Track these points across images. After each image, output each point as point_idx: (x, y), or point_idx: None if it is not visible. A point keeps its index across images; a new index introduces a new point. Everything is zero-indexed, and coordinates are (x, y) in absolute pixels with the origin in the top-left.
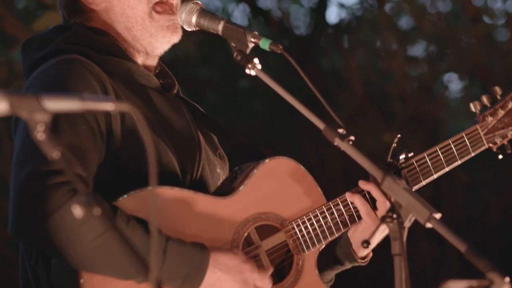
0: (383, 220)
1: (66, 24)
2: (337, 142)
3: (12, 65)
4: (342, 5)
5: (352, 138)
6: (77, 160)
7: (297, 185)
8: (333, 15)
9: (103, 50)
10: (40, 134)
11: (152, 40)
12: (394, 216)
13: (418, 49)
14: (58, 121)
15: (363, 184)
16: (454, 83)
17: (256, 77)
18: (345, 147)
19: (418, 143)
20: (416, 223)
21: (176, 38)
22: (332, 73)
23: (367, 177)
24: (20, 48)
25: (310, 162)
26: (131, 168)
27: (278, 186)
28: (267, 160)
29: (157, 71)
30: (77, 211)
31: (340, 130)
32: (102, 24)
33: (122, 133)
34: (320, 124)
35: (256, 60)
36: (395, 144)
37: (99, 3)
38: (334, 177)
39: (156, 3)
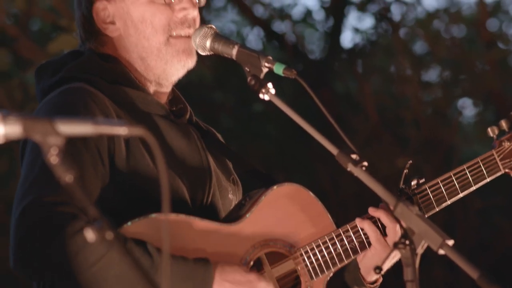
0: (395, 246)
1: (80, 49)
2: (350, 167)
3: (27, 87)
4: (356, 30)
5: (365, 163)
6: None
7: (306, 212)
8: (347, 39)
9: (112, 79)
10: (53, 157)
11: (167, 67)
12: (407, 242)
13: (432, 74)
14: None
15: (373, 211)
16: (468, 109)
17: (270, 101)
18: (358, 172)
19: (432, 168)
20: (429, 249)
21: (191, 62)
22: (346, 98)
23: (380, 202)
24: (34, 71)
25: (323, 187)
26: (137, 195)
27: (286, 213)
28: (275, 187)
29: (170, 98)
30: (90, 234)
31: (354, 156)
32: (114, 50)
33: (127, 160)
34: (334, 150)
35: (269, 85)
36: (407, 170)
37: (113, 30)
38: (348, 202)
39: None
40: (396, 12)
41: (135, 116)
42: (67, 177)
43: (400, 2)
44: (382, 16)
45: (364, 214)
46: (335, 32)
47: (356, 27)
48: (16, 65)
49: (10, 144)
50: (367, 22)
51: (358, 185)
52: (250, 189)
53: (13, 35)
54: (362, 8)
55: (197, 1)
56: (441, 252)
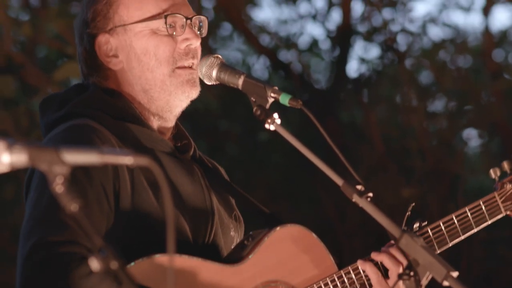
0: (400, 277)
1: (84, 83)
2: (355, 198)
3: (33, 114)
4: (362, 60)
5: (370, 194)
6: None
7: (307, 253)
8: (353, 69)
9: (116, 115)
10: (58, 186)
11: (171, 98)
12: (411, 273)
13: (438, 105)
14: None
15: (375, 255)
16: (473, 139)
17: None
18: (363, 203)
19: (437, 198)
20: (433, 280)
21: (195, 93)
22: (352, 127)
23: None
24: (40, 98)
25: (329, 217)
26: (141, 232)
27: (288, 254)
28: (278, 228)
29: (174, 133)
30: (94, 264)
31: (359, 187)
32: (118, 84)
33: (132, 197)
34: (339, 180)
35: (275, 115)
36: (409, 213)
37: (116, 63)
38: (353, 231)
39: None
40: (402, 42)
41: (142, 153)
42: (72, 206)
43: (406, 32)
44: (388, 46)
45: (368, 243)
46: (341, 62)
47: (362, 56)
48: (22, 92)
49: (16, 172)
50: (373, 52)
51: (364, 214)
52: (252, 225)
53: (19, 62)
54: (368, 38)
55: (199, 32)
56: (446, 283)
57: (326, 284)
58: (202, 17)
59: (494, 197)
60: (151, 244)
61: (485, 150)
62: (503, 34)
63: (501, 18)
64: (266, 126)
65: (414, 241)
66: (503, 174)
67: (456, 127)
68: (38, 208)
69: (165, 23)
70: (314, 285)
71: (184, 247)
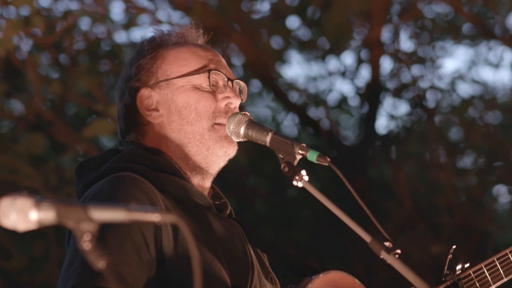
0: None
1: (120, 148)
2: (383, 255)
3: (62, 171)
4: (391, 116)
5: (398, 251)
6: (118, 279)
7: None
8: (382, 126)
9: (157, 168)
10: (86, 244)
11: (209, 153)
12: None
13: (467, 161)
14: (103, 238)
15: None
16: (503, 196)
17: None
18: (391, 260)
19: (467, 255)
20: None
21: (233, 150)
22: (380, 184)
23: None
24: (69, 154)
25: (357, 273)
26: (183, 284)
27: None
28: (321, 275)
29: (211, 193)
30: None
31: (387, 243)
32: (156, 140)
33: (175, 251)
34: (367, 237)
35: (303, 172)
36: (451, 256)
37: (156, 117)
38: None
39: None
40: (431, 98)
41: (185, 206)
42: (100, 264)
43: (435, 89)
44: (417, 102)
45: None
46: (370, 118)
47: (391, 113)
48: (51, 149)
49: (46, 228)
50: (402, 108)
51: (393, 271)
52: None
53: (49, 120)
54: (397, 94)
55: (240, 95)
56: None
57: None
58: (243, 84)
59: None
60: None
61: None
62: None
63: None
64: (294, 183)
65: None
66: None
67: (485, 183)
68: (78, 255)
69: (208, 77)
70: None
71: None
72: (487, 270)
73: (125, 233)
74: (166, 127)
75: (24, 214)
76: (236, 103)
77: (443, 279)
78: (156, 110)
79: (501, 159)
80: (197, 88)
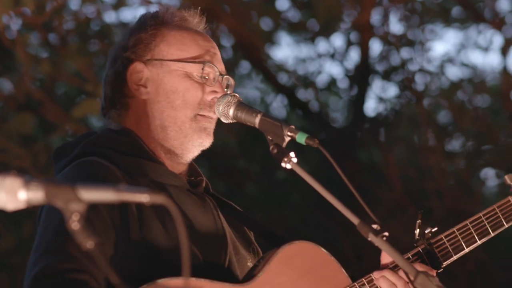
0: None
1: (104, 116)
2: (371, 237)
3: (51, 151)
4: (380, 99)
5: (386, 234)
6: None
7: (319, 268)
8: (371, 108)
9: (126, 151)
10: (74, 223)
11: (186, 141)
12: None
13: (455, 145)
14: None
15: (377, 274)
16: (491, 179)
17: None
18: (379, 242)
19: None
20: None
21: (208, 142)
22: (370, 167)
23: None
24: (59, 134)
25: (346, 256)
26: (150, 263)
27: (299, 270)
28: (286, 246)
29: (186, 169)
30: None
31: (375, 226)
32: (138, 115)
33: (140, 228)
34: (355, 219)
35: (292, 154)
36: (420, 220)
37: (143, 93)
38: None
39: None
40: (420, 81)
41: (151, 187)
42: (88, 244)
43: (424, 72)
44: (406, 85)
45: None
46: (359, 101)
47: (380, 96)
48: (41, 128)
49: (35, 208)
50: (391, 91)
51: (380, 254)
52: None
53: (38, 99)
54: (386, 77)
55: (226, 90)
56: None
57: None
58: (232, 81)
59: (509, 201)
60: (162, 274)
61: (502, 190)
62: None
63: None
64: (283, 164)
65: (430, 280)
66: None
67: (474, 166)
68: (46, 236)
69: (202, 68)
70: None
71: (196, 275)
72: (460, 234)
73: (93, 216)
74: (150, 105)
75: (13, 194)
76: None
77: (415, 244)
78: (144, 86)
79: (490, 143)
80: (188, 76)
